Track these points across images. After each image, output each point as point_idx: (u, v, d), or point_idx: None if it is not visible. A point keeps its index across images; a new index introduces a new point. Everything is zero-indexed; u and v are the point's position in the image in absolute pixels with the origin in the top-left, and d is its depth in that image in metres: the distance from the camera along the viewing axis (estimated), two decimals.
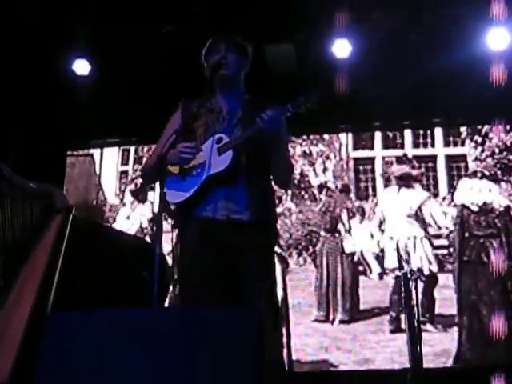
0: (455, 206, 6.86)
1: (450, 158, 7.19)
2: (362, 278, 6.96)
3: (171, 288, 4.69)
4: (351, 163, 7.35)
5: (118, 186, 7.83)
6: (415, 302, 5.10)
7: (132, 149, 7.85)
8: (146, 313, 2.61)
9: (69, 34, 6.67)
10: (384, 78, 6.68)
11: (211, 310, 2.69)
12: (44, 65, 6.83)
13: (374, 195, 7.21)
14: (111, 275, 3.95)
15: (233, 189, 3.28)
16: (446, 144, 7.24)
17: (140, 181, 7.42)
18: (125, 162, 7.80)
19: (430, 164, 7.19)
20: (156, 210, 3.30)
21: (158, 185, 3.22)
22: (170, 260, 5.05)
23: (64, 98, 7.19)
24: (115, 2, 6.41)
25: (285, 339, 6.26)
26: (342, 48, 6.69)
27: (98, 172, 7.83)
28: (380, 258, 6.88)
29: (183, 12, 6.56)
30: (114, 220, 7.62)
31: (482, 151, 7.06)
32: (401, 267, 5.25)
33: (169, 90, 6.87)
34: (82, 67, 7.02)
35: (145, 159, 7.36)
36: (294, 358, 6.44)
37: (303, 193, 7.25)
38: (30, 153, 7.02)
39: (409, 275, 5.14)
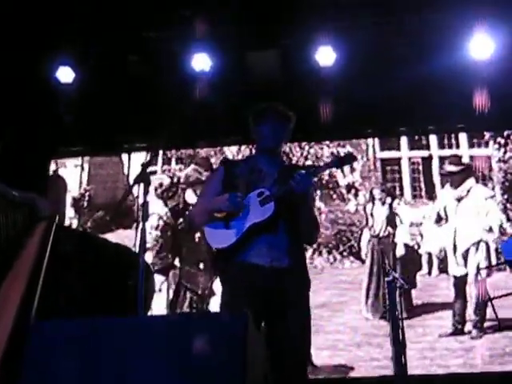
0: None
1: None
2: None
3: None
4: (378, 163, 7.46)
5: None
6: (399, 309, 5.10)
7: (160, 151, 7.80)
8: (130, 321, 2.60)
9: (53, 41, 6.66)
10: (369, 85, 6.72)
11: (197, 318, 2.69)
12: (28, 72, 6.80)
13: (402, 194, 7.33)
14: (95, 283, 3.93)
15: (274, 237, 3.54)
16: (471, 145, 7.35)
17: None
18: (154, 162, 7.77)
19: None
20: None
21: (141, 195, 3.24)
22: None
23: (47, 105, 7.17)
24: (99, 10, 6.40)
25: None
26: (326, 56, 6.72)
27: (126, 172, 7.82)
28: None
29: (168, 17, 6.57)
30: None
31: (505, 152, 7.17)
32: (386, 274, 5.25)
33: (154, 96, 6.90)
34: (65, 75, 7.02)
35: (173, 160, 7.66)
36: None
37: (332, 193, 7.36)
38: (13, 161, 6.98)
39: (393, 283, 5.14)
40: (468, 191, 7.13)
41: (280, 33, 6.71)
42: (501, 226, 6.96)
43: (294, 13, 6.49)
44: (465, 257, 6.93)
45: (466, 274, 6.87)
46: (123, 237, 7.32)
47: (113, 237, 7.32)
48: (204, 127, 7.10)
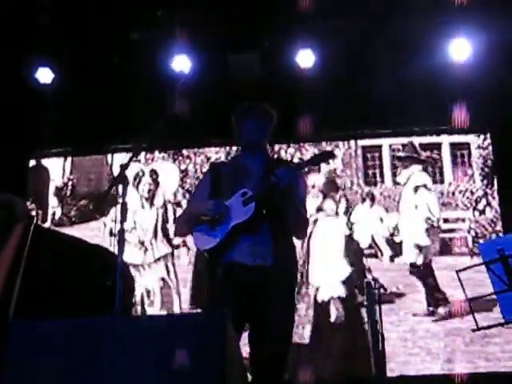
0: None
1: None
2: (373, 260, 7.06)
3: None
4: (359, 151, 7.50)
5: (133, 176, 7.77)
6: (378, 311, 5.13)
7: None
8: (108, 321, 2.60)
9: (32, 42, 6.64)
10: (348, 87, 6.76)
11: (174, 317, 2.69)
12: (6, 73, 6.77)
13: (382, 181, 7.38)
14: (72, 284, 3.92)
15: (257, 236, 3.60)
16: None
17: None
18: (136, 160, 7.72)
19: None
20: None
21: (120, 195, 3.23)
22: None
23: (27, 106, 7.13)
24: (79, 10, 6.38)
25: None
26: (305, 58, 6.75)
27: (109, 162, 7.80)
28: (391, 242, 7.07)
29: (149, 18, 6.56)
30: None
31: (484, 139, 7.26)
32: (364, 276, 5.28)
33: (134, 98, 6.88)
34: (45, 76, 7.00)
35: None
36: None
37: None
38: None
39: (372, 284, 5.17)
40: (408, 178, 7.23)
41: (261, 35, 6.72)
42: (428, 219, 7.06)
43: (274, 16, 6.51)
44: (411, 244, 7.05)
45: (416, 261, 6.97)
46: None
47: (97, 225, 7.41)
48: (185, 129, 7.08)
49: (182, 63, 6.84)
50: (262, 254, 3.56)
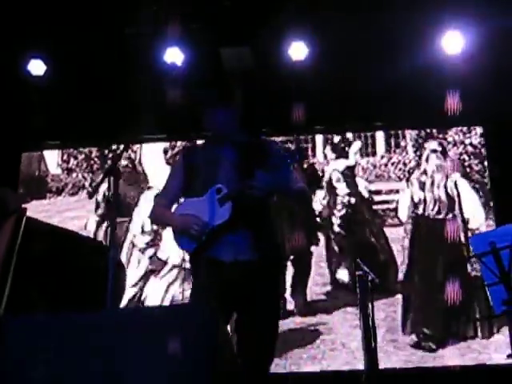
0: None
1: None
2: None
3: None
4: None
5: (60, 156, 7.77)
6: (371, 304, 5.13)
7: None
8: (103, 314, 2.60)
9: (24, 34, 6.61)
10: (341, 81, 6.76)
11: (164, 309, 2.69)
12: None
13: None
14: (65, 277, 3.91)
15: (237, 235, 3.54)
16: None
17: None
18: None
19: None
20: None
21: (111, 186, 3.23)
22: None
23: (19, 98, 7.11)
24: (72, 3, 6.36)
25: None
26: (298, 50, 6.75)
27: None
28: None
29: (143, 13, 6.54)
30: (58, 190, 7.61)
31: None
32: (358, 268, 5.27)
33: (126, 91, 6.86)
34: (37, 67, 6.99)
35: None
36: None
37: None
38: None
39: (365, 277, 5.17)
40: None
41: (254, 28, 6.71)
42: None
43: (267, 8, 6.50)
44: None
45: None
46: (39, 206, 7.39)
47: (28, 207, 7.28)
48: (177, 121, 7.07)
49: (174, 55, 6.83)
50: (243, 250, 3.53)
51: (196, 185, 3.68)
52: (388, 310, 6.67)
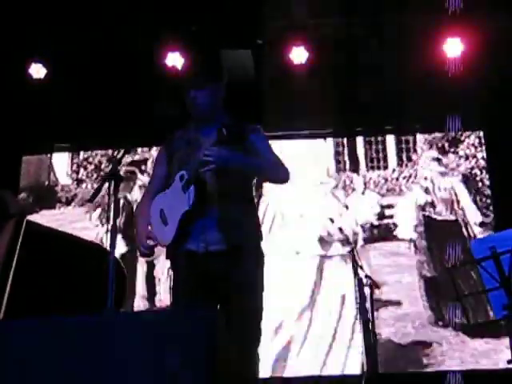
0: None
1: None
2: None
3: None
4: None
5: (70, 166, 7.77)
6: (370, 307, 5.13)
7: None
8: (96, 318, 2.60)
9: (25, 38, 6.63)
10: (343, 85, 6.78)
11: (163, 313, 2.68)
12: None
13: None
14: (65, 280, 3.92)
15: (205, 220, 3.43)
16: None
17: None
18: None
19: None
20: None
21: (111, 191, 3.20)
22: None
23: (20, 101, 7.11)
24: (72, 6, 6.37)
25: None
26: (299, 55, 6.76)
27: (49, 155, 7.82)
28: None
29: (142, 14, 6.55)
30: (67, 200, 7.61)
31: None
32: (355, 273, 5.27)
33: (126, 93, 6.87)
34: (37, 71, 7.01)
35: None
36: None
37: None
38: None
39: (364, 281, 5.17)
40: None
41: (254, 32, 6.72)
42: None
43: (266, 12, 6.51)
44: None
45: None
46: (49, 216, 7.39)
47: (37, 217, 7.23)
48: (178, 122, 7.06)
49: (174, 60, 6.84)
50: (214, 238, 3.43)
51: (174, 171, 3.59)
52: None
